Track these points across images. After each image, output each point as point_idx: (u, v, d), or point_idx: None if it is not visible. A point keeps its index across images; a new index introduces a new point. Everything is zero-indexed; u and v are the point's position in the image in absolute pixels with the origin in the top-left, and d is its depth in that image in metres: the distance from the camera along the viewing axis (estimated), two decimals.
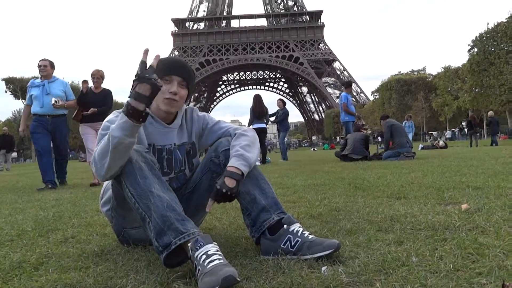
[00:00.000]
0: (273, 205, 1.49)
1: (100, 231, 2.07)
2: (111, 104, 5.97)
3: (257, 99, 9.55)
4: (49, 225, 2.31)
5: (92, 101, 5.73)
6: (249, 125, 9.74)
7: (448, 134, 35.10)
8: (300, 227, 1.42)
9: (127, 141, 1.30)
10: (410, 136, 16.49)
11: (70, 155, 42.10)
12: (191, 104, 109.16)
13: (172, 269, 1.29)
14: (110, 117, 1.57)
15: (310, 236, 1.37)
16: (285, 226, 1.41)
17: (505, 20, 29.21)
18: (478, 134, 17.19)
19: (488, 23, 31.92)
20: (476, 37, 33.08)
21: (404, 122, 17.16)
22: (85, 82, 5.85)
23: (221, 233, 1.89)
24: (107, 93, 5.97)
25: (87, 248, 1.70)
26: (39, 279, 1.27)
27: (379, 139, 17.16)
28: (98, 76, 5.90)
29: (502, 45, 29.43)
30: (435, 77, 45.28)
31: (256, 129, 9.34)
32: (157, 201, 1.31)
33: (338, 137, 54.97)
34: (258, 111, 9.40)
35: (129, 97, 1.28)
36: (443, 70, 42.11)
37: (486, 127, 16.74)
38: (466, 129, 17.71)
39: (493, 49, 30.65)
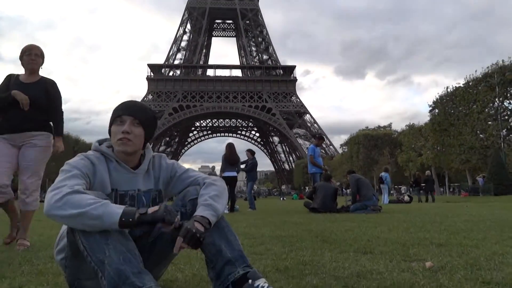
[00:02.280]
0: (239, 258, 1.45)
1: (52, 280, 1.93)
2: (59, 101, 3.53)
3: (231, 148, 9.68)
4: None
5: (21, 97, 3.23)
6: (221, 172, 9.74)
7: (403, 189, 36.77)
8: (265, 282, 1.37)
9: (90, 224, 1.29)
10: (387, 189, 16.87)
11: None
12: (161, 148, 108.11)
13: None
14: (73, 159, 1.51)
15: None
16: (249, 281, 1.37)
17: (462, 85, 31.54)
18: (422, 191, 18.70)
19: (447, 87, 34.14)
20: (436, 98, 35.37)
21: (384, 174, 17.38)
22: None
23: (183, 285, 1.80)
24: (50, 85, 3.48)
25: None
26: None
27: (347, 192, 17.62)
28: (36, 52, 3.44)
29: (460, 108, 31.49)
30: (400, 134, 47.40)
31: (228, 177, 9.33)
32: (112, 253, 1.25)
33: (307, 187, 55.36)
34: (231, 159, 9.48)
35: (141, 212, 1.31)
36: (407, 127, 44.24)
37: (423, 184, 18.19)
38: (413, 186, 19.33)
39: (452, 111, 32.72)
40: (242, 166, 10.42)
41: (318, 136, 10.02)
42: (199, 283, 1.84)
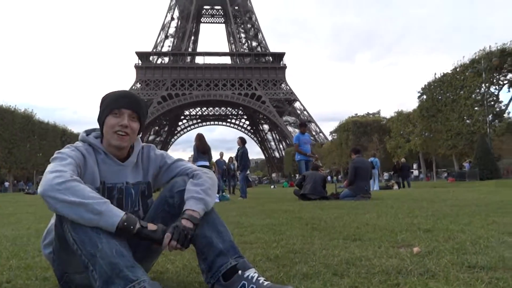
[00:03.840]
0: (230, 249, 1.45)
1: (40, 274, 1.91)
2: None
3: (200, 137, 9.92)
4: None
5: None
6: (193, 162, 9.84)
7: (386, 176, 37.67)
8: (255, 272, 1.38)
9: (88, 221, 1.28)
10: (377, 175, 17.13)
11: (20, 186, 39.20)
12: (151, 137, 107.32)
13: None
14: (64, 150, 1.47)
15: (266, 283, 1.34)
16: (239, 272, 1.37)
17: (450, 72, 31.79)
18: (400, 178, 19.64)
19: (435, 73, 34.40)
20: (425, 85, 35.64)
21: (374, 159, 17.57)
22: None
23: (173, 277, 1.80)
24: None
25: None
26: None
27: (335, 179, 18.08)
28: None
29: (448, 94, 31.80)
30: (388, 120, 47.76)
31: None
32: (105, 247, 1.23)
33: (297, 175, 55.73)
34: (202, 148, 9.67)
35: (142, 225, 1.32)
36: (396, 114, 44.58)
37: (399, 172, 19.38)
38: (393, 173, 20.28)
39: (440, 97, 33.05)
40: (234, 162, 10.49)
41: (300, 123, 10.38)
42: (190, 274, 1.84)
